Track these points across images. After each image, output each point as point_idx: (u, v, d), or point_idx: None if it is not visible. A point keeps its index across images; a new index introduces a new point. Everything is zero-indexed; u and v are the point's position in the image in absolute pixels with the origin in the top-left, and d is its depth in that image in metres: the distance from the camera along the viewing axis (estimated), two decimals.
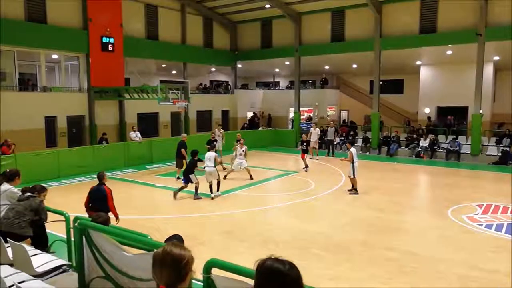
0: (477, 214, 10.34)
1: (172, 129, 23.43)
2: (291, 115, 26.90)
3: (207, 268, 2.82)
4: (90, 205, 7.57)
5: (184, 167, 13.71)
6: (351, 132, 23.58)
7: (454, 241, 8.46)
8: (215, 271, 2.84)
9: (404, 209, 11.22)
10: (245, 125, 26.88)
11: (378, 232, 9.06)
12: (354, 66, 26.51)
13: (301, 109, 25.51)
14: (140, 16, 21.71)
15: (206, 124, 25.19)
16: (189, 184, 12.11)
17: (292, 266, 1.76)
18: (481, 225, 9.45)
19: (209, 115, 26.09)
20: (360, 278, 6.68)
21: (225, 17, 26.18)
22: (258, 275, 1.77)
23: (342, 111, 29.63)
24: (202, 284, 2.85)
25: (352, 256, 7.64)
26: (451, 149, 19.53)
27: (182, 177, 13.83)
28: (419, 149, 20.37)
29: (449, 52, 20.62)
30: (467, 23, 18.62)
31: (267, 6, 22.96)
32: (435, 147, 20.04)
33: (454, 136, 20.29)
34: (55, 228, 6.96)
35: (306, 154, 16.86)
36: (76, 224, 4.11)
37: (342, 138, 23.01)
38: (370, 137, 22.09)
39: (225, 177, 14.05)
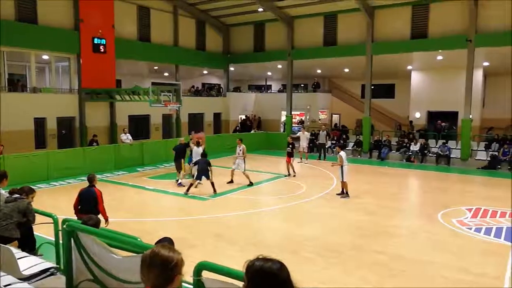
0: (467, 218, 10.43)
1: (164, 132, 23.31)
2: (283, 118, 26.95)
3: (198, 271, 2.80)
4: (79, 207, 7.48)
5: (183, 170, 14.19)
6: (343, 136, 23.68)
7: (443, 245, 8.51)
8: (205, 274, 2.82)
9: (394, 212, 11.28)
10: (237, 128, 26.86)
11: (369, 235, 9.09)
12: (346, 70, 26.67)
13: (293, 112, 25.58)
14: (132, 17, 21.60)
15: (198, 127, 25.10)
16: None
17: (281, 265, 1.73)
18: (470, 229, 9.53)
19: (201, 118, 26.03)
20: (350, 281, 6.69)
21: (218, 20, 26.19)
22: (248, 276, 1.74)
23: (333, 115, 29.76)
24: (192, 286, 2.83)
25: (343, 259, 7.65)
26: (441, 153, 19.71)
27: (179, 179, 14.01)
28: (410, 153, 20.52)
29: (439, 57, 20.85)
30: (458, 29, 18.86)
31: (260, 9, 23.02)
32: (426, 152, 20.21)
33: (444, 141, 20.50)
34: (43, 230, 6.87)
35: (292, 158, 16.25)
36: (64, 226, 4.06)
37: (334, 142, 23.10)
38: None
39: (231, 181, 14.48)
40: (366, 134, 21.97)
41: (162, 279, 1.87)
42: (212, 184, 12.80)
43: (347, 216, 10.68)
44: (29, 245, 6.22)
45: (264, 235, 9.19)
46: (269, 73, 31.06)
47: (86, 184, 7.83)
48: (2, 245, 4.76)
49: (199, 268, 2.80)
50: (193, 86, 28.10)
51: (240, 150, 14.45)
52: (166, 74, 27.07)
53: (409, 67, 24.10)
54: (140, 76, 25.02)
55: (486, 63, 21.51)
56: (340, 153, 12.62)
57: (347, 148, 20.79)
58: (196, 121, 25.34)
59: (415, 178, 17.39)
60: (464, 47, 18.52)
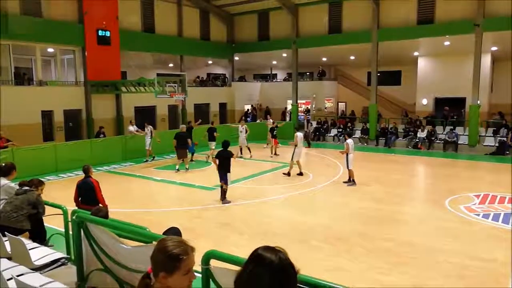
0: (475, 204, 10.39)
1: (170, 122, 23.37)
2: (289, 107, 26.86)
3: (206, 260, 2.82)
4: (79, 199, 7.54)
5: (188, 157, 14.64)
6: (349, 124, 23.58)
7: (451, 231, 8.50)
8: (213, 263, 2.84)
9: (402, 200, 11.25)
10: (242, 118, 26.79)
11: (377, 223, 9.10)
12: (352, 57, 26.42)
13: (298, 101, 25.46)
14: (136, 8, 21.52)
15: (204, 117, 25.07)
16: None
17: (281, 255, 1.69)
18: (478, 215, 9.50)
19: (207, 108, 26.04)
20: (359, 269, 6.72)
21: (222, 9, 26.01)
22: (246, 263, 1.72)
23: (340, 103, 29.59)
24: (201, 275, 2.85)
25: (351, 247, 7.67)
26: (449, 140, 19.57)
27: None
28: (417, 140, 20.39)
29: (447, 43, 20.56)
30: (465, 13, 18.56)
31: None
32: (433, 138, 20.07)
33: (452, 127, 20.32)
34: (53, 221, 6.96)
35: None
36: (74, 217, 4.10)
37: (340, 130, 23.03)
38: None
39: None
40: (373, 121, 21.84)
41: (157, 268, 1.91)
42: (225, 191, 10.75)
43: (354, 204, 10.68)
44: (40, 236, 6.32)
45: (271, 224, 9.22)
46: (274, 62, 30.89)
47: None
48: (13, 236, 4.83)
49: (207, 257, 2.82)
50: (198, 77, 28.04)
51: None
52: (171, 65, 27.02)
53: (416, 53, 23.82)
54: (145, 67, 24.98)
55: (494, 48, 21.20)
56: (347, 141, 12.56)
57: (354, 136, 20.72)
58: (202, 112, 25.36)
59: (423, 165, 17.31)
60: (471, 31, 18.24)
